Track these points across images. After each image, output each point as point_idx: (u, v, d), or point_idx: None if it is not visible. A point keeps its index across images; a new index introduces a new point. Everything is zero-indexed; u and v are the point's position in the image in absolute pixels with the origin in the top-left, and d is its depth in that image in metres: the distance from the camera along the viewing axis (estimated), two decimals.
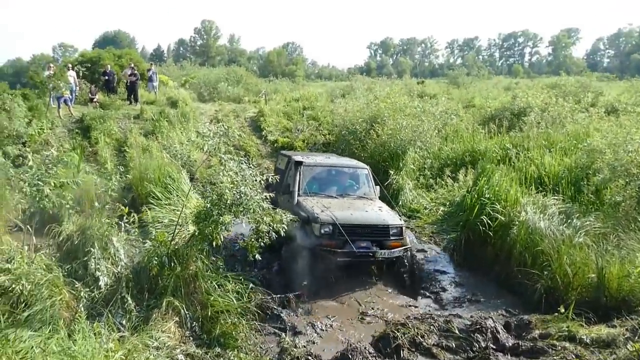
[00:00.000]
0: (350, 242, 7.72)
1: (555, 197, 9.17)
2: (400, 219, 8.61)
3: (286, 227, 6.56)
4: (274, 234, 6.36)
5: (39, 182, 6.28)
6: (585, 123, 14.77)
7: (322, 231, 7.86)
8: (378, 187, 9.89)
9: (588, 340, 5.53)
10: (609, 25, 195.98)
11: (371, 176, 9.92)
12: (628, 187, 8.31)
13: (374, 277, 8.41)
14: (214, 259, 6.78)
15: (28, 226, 6.42)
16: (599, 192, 9.45)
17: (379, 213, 8.56)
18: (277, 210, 6.74)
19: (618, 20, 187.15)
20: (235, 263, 8.36)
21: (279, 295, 7.12)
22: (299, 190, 9.02)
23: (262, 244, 6.35)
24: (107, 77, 21.96)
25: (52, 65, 20.64)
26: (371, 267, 8.50)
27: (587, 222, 7.86)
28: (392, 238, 8.10)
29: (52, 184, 6.49)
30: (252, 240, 6.34)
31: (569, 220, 8.05)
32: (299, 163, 9.29)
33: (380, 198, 9.58)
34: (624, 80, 41.51)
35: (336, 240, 7.79)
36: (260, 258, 6.57)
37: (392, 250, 8.05)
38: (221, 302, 6.13)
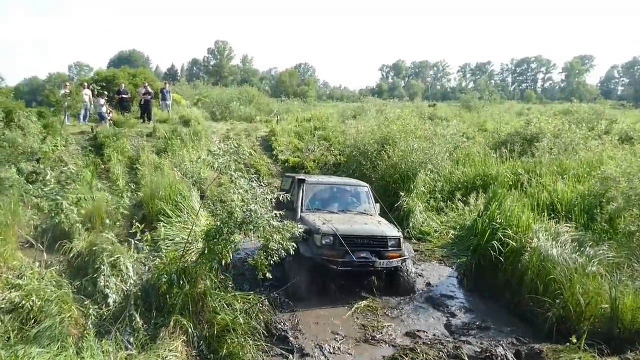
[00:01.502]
0: (350, 252, 8.09)
1: (568, 225, 9.06)
2: (399, 231, 8.91)
3: (295, 245, 6.58)
4: (283, 252, 6.36)
5: (58, 197, 6.36)
6: (598, 151, 14.67)
7: (324, 242, 8.23)
8: (378, 204, 10.25)
9: None
10: (624, 53, 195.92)
11: (371, 194, 10.34)
12: None
13: (376, 292, 8.63)
14: (223, 277, 6.77)
15: (40, 243, 6.47)
16: (612, 221, 9.32)
17: (378, 226, 8.90)
18: (285, 223, 6.74)
19: (633, 48, 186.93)
20: (244, 282, 8.38)
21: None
22: (301, 206, 9.45)
23: (272, 262, 6.35)
24: (121, 96, 22.32)
25: (68, 84, 21.10)
26: (372, 278, 8.91)
27: (601, 252, 7.72)
28: (390, 249, 8.45)
29: (70, 199, 6.57)
30: (262, 258, 6.33)
31: (582, 249, 7.93)
32: (302, 181, 9.75)
33: (381, 216, 9.86)
34: (639, 110, 41.33)
35: (337, 250, 8.15)
36: (270, 277, 6.55)
37: (391, 260, 8.39)
38: (228, 321, 6.10)
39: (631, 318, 6.29)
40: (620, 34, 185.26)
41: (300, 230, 6.82)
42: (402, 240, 8.74)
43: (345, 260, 8.10)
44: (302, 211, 9.35)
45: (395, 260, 8.45)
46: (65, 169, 6.86)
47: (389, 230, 8.77)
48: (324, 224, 8.52)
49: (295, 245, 6.59)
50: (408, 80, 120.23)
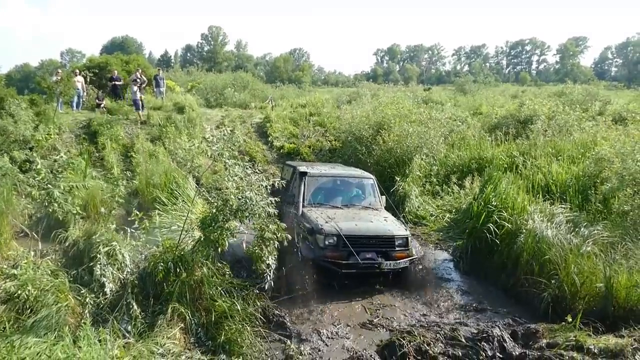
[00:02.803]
0: (355, 253, 7.67)
1: (563, 206, 9.11)
2: (406, 230, 8.52)
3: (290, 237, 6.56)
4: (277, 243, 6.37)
5: (49, 186, 6.32)
6: (592, 132, 14.68)
7: (327, 242, 7.80)
8: (384, 197, 9.86)
9: (596, 350, 5.47)
10: (617, 34, 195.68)
11: (377, 186, 9.91)
12: (636, 196, 8.28)
13: (379, 285, 8.33)
14: (219, 264, 6.78)
15: (34, 232, 6.45)
16: (606, 201, 9.39)
17: (384, 223, 8.49)
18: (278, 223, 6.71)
19: (626, 29, 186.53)
20: (241, 269, 8.37)
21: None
22: (303, 201, 8.98)
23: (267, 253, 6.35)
24: (113, 83, 22.12)
25: (59, 70, 20.87)
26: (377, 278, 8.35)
27: (595, 231, 7.78)
28: (397, 249, 8.04)
29: (62, 188, 6.54)
30: (256, 249, 6.33)
31: (576, 229, 7.99)
32: (304, 174, 9.21)
33: (386, 208, 9.55)
34: (632, 89, 41.34)
35: (341, 251, 7.73)
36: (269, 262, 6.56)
37: (398, 261, 7.98)
38: (225, 308, 6.12)
39: (625, 296, 6.36)
40: (614, 14, 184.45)
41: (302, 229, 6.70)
42: (409, 239, 8.30)
43: (349, 262, 7.69)
44: (303, 206, 8.91)
45: (402, 260, 8.02)
46: (57, 157, 6.78)
47: (396, 228, 8.35)
48: (326, 222, 8.08)
49: (289, 237, 6.57)
50: (403, 64, 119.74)
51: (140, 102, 19.28)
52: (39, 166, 6.52)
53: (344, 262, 7.68)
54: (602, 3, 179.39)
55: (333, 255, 7.73)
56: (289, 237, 6.63)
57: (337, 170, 10.65)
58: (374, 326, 6.95)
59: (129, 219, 6.90)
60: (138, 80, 19.86)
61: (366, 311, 7.40)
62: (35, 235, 6.55)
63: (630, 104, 21.67)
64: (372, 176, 10.24)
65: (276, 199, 6.79)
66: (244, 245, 7.46)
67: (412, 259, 8.21)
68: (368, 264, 7.80)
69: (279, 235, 6.39)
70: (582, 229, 7.94)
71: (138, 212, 6.80)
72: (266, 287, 6.93)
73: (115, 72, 22.91)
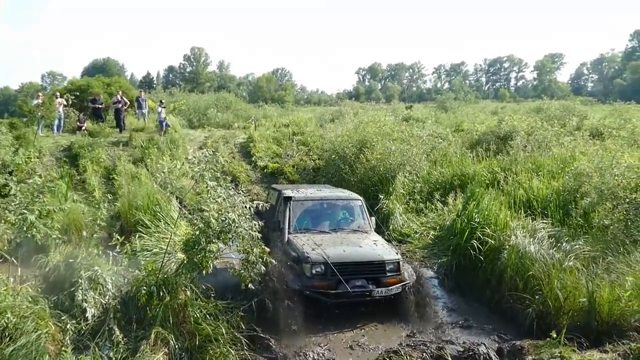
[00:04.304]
0: (344, 281, 7.35)
1: (544, 221, 9.21)
2: (397, 253, 8.21)
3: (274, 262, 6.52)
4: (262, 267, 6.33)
5: (25, 211, 6.22)
6: (571, 147, 14.94)
7: (314, 271, 7.47)
8: (373, 218, 9.68)
9: None
10: (592, 50, 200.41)
11: (365, 207, 9.66)
12: (615, 211, 8.37)
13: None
14: (203, 287, 6.71)
15: (14, 257, 6.32)
16: (587, 216, 9.51)
17: (373, 248, 8.18)
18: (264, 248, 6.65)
19: (600, 45, 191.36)
20: (226, 291, 8.25)
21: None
22: (289, 227, 8.69)
23: (252, 274, 6.30)
24: (95, 105, 22.06)
25: (40, 94, 20.74)
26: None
27: (577, 246, 7.88)
28: (388, 274, 7.71)
29: (38, 212, 6.43)
30: (242, 271, 6.29)
31: (558, 244, 8.08)
32: (289, 198, 8.98)
33: (376, 230, 9.42)
34: (607, 104, 42.26)
35: (329, 280, 7.39)
36: (252, 287, 6.50)
37: (390, 287, 7.64)
38: (210, 331, 6.03)
39: (608, 310, 6.42)
40: (588, 31, 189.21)
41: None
42: (401, 263, 7.96)
43: (338, 291, 7.33)
44: (289, 232, 8.58)
45: (394, 286, 7.65)
46: (30, 181, 6.66)
47: (386, 253, 8.00)
48: (313, 249, 7.74)
49: (274, 262, 6.51)
50: (384, 83, 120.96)
51: (165, 123, 20.12)
52: (12, 191, 6.43)
53: (332, 291, 7.35)
54: (576, 20, 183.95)
55: (321, 285, 7.39)
56: (274, 262, 6.58)
57: (324, 192, 10.27)
58: (360, 347, 6.91)
59: (110, 243, 6.81)
60: (121, 102, 20.06)
61: (352, 331, 7.35)
62: (15, 261, 6.42)
63: (606, 119, 22.11)
64: (360, 197, 9.97)
65: (261, 222, 6.73)
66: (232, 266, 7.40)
67: (405, 284, 7.83)
68: (358, 292, 7.44)
69: (264, 259, 6.34)
70: (564, 244, 8.04)
71: (119, 236, 6.72)
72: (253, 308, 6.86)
73: (101, 95, 22.87)
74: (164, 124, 20.24)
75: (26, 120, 18.34)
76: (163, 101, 22.73)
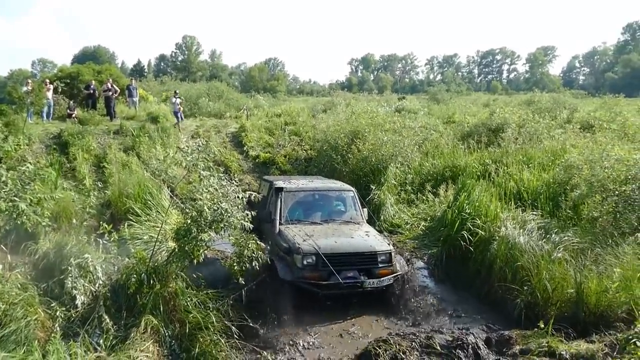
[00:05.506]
0: (335, 272, 7.29)
1: (534, 213, 9.26)
2: (389, 244, 8.13)
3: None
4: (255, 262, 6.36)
5: (15, 198, 6.18)
6: (561, 139, 15.01)
7: (305, 262, 7.37)
8: (365, 209, 9.66)
9: (568, 356, 5.54)
10: (584, 43, 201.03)
11: (357, 198, 9.63)
12: (605, 203, 8.43)
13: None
14: (194, 276, 6.70)
15: (3, 245, 6.28)
16: (576, 208, 9.57)
17: (365, 239, 8.14)
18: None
19: (593, 39, 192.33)
20: (216, 280, 8.26)
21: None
22: (280, 218, 8.64)
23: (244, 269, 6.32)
24: (88, 92, 21.91)
25: (30, 80, 20.54)
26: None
27: (566, 238, 7.93)
28: (380, 265, 7.67)
29: (29, 200, 6.39)
30: (234, 264, 6.29)
31: (547, 236, 8.13)
32: (280, 189, 8.94)
33: (367, 221, 9.40)
34: (597, 97, 42.50)
35: (320, 271, 7.33)
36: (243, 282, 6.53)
37: (382, 278, 7.61)
38: (200, 319, 6.04)
39: (595, 301, 6.47)
40: (580, 24, 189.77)
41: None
42: (393, 254, 7.92)
43: (329, 282, 7.28)
44: (280, 223, 8.52)
45: (386, 277, 7.62)
46: (23, 168, 6.60)
47: (378, 243, 7.95)
48: (304, 240, 7.67)
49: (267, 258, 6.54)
50: (377, 74, 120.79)
51: (179, 115, 20.41)
52: (2, 178, 6.37)
53: (324, 282, 7.29)
54: (569, 13, 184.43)
55: (312, 276, 7.33)
56: (265, 258, 6.62)
57: (316, 183, 10.26)
58: (350, 335, 6.95)
59: (99, 231, 6.78)
60: (111, 89, 19.89)
61: (342, 322, 7.38)
62: (4, 248, 6.38)
63: (596, 111, 22.22)
64: (352, 188, 9.92)
65: (253, 212, 6.72)
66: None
67: (397, 275, 7.83)
68: (350, 284, 7.40)
69: (258, 255, 6.35)
70: (553, 236, 8.09)
71: (108, 224, 6.69)
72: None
73: (93, 82, 22.68)
74: (180, 115, 20.30)
75: (15, 107, 18.14)
76: (177, 91, 22.79)
